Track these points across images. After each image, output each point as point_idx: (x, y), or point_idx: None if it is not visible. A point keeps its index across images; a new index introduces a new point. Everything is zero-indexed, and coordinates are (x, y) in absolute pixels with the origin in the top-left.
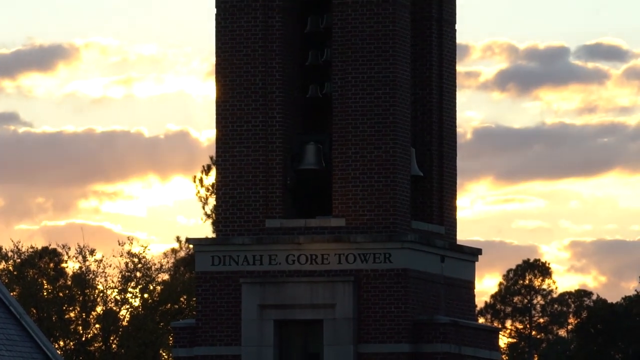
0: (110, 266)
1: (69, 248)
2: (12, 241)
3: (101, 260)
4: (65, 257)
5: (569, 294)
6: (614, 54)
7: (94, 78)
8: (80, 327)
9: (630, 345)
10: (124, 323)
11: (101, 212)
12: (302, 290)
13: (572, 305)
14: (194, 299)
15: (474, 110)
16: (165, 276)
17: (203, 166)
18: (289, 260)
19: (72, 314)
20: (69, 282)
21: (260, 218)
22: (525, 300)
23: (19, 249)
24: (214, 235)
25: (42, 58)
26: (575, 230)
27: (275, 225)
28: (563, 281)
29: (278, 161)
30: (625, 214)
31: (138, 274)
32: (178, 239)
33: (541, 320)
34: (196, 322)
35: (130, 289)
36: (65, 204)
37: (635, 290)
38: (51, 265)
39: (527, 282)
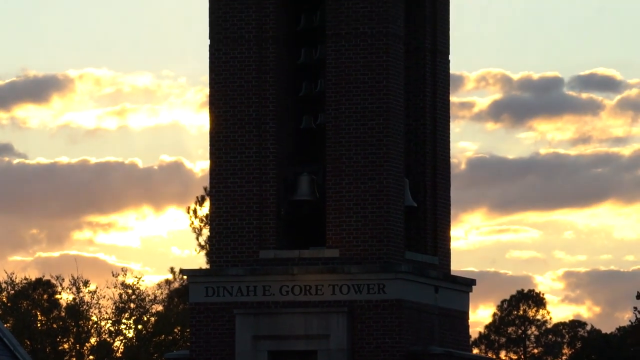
0: (104, 297)
1: (63, 279)
2: (6, 272)
3: (95, 292)
4: (59, 289)
5: (563, 324)
6: (607, 84)
7: (88, 109)
8: (74, 359)
9: None
10: (118, 354)
11: (95, 243)
12: (296, 321)
13: (567, 336)
14: (188, 330)
15: (468, 140)
16: (159, 307)
17: (197, 197)
18: (283, 291)
19: (66, 346)
20: (63, 314)
21: (254, 249)
22: (520, 331)
23: (12, 281)
24: (207, 266)
25: (36, 89)
26: (569, 261)
27: (269, 256)
28: (557, 311)
29: (272, 192)
30: (620, 245)
31: (132, 305)
32: (172, 270)
33: (535, 350)
34: (190, 353)
35: (124, 320)
36: (59, 235)
37: (630, 321)
38: (45, 296)
39: (521, 312)
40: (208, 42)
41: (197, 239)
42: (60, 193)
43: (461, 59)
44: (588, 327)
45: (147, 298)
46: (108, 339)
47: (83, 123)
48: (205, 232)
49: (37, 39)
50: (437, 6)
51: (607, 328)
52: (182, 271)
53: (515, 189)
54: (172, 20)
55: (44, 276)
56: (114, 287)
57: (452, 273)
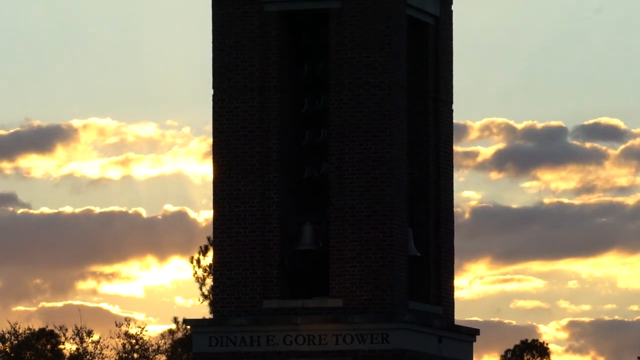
0: (107, 347)
1: (66, 329)
2: (10, 323)
3: (98, 342)
4: (63, 339)
5: None
6: (611, 133)
7: (91, 159)
8: None
9: None
10: None
11: (99, 293)
12: None
13: None
14: None
15: (472, 190)
16: (163, 357)
17: (200, 247)
18: (287, 341)
19: None
20: None
21: (257, 299)
22: None
23: (16, 331)
24: (211, 316)
25: (40, 139)
26: (573, 310)
27: (272, 306)
28: None
29: (275, 242)
30: (624, 294)
31: (135, 355)
32: (175, 320)
33: None
34: None
35: None
36: (63, 285)
37: None
38: (48, 347)
39: None
40: (212, 91)
41: (201, 288)
42: (64, 243)
43: (465, 108)
44: None
45: (150, 348)
46: None
47: (87, 173)
48: (209, 281)
49: (40, 89)
50: (440, 56)
51: None
52: (185, 321)
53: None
54: (175, 70)
55: (47, 326)
56: (118, 337)
57: (455, 323)
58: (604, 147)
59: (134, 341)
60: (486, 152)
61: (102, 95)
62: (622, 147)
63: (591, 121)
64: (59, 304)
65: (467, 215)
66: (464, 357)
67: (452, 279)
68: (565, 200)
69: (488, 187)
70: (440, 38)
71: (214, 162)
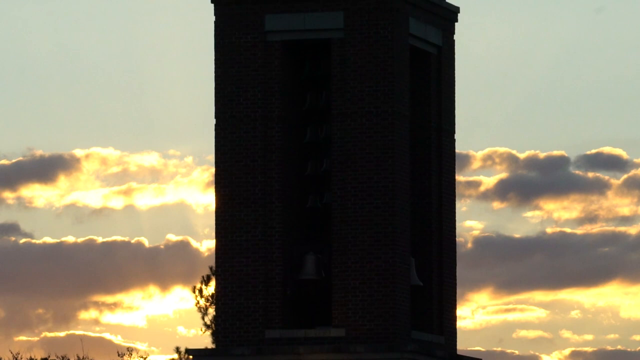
0: None
1: (69, 359)
2: (12, 353)
3: None
4: None
5: None
6: (614, 163)
7: (94, 188)
8: None
9: None
10: None
11: (101, 322)
12: None
13: None
14: None
15: (474, 219)
16: None
17: (202, 276)
18: None
19: None
20: None
21: (259, 328)
22: None
23: None
24: (213, 346)
25: (42, 169)
26: (576, 340)
27: (275, 336)
28: None
29: (277, 271)
30: (627, 324)
31: None
32: (178, 350)
33: None
34: None
35: None
36: (65, 315)
37: None
38: None
39: None
40: (214, 121)
41: (203, 318)
42: (66, 272)
43: (467, 137)
44: None
45: None
46: None
47: (89, 202)
48: (211, 311)
49: (42, 119)
50: (442, 85)
51: None
52: (187, 351)
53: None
54: (178, 100)
55: (49, 356)
56: None
57: (458, 352)
58: (607, 177)
59: None
60: (488, 181)
61: (105, 125)
62: (625, 176)
63: (594, 151)
64: (61, 334)
65: (469, 245)
66: None
67: (455, 308)
68: (568, 230)
69: (490, 217)
70: (443, 67)
71: (216, 191)
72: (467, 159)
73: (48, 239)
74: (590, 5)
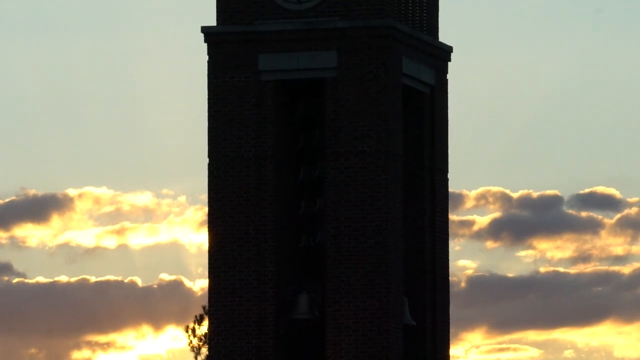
0: None
1: None
2: None
3: None
4: None
5: None
6: (607, 203)
7: (87, 228)
8: None
9: None
10: None
11: None
12: None
13: None
14: None
15: (468, 258)
16: None
17: (195, 316)
18: None
19: None
20: None
21: None
22: None
23: None
24: None
25: (35, 208)
26: None
27: None
28: None
29: (271, 311)
30: None
31: None
32: None
33: None
34: None
35: None
36: (58, 355)
37: None
38: None
39: None
40: (207, 160)
41: (196, 358)
42: (60, 312)
43: (460, 177)
44: None
45: None
46: None
47: (82, 242)
48: (204, 351)
49: (36, 158)
50: (435, 125)
51: None
52: None
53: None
54: (171, 139)
55: None
56: None
57: None
58: (600, 216)
59: None
60: (482, 221)
61: (98, 165)
62: (618, 216)
63: (587, 190)
64: None
65: (463, 284)
66: None
67: (448, 348)
68: (561, 269)
69: (484, 256)
70: (436, 107)
71: (209, 231)
72: (460, 198)
73: (41, 279)
74: (583, 42)
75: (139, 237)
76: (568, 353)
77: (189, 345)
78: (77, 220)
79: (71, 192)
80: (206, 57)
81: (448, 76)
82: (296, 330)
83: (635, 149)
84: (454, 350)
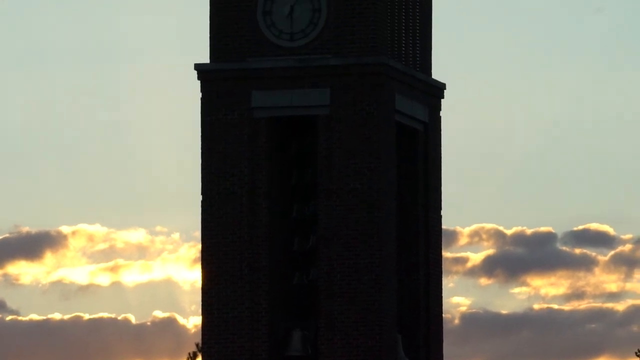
0: None
1: None
2: None
3: None
4: None
5: None
6: (601, 240)
7: (81, 265)
8: None
9: None
10: None
11: None
12: None
13: None
14: None
15: (462, 295)
16: None
17: (189, 353)
18: None
19: None
20: None
21: None
22: None
23: None
24: None
25: (29, 246)
26: None
27: None
28: None
29: (264, 348)
30: None
31: None
32: None
33: None
34: None
35: None
36: None
37: None
38: None
39: None
40: (200, 197)
41: None
42: (53, 349)
43: (454, 214)
44: None
45: None
46: None
47: (76, 279)
48: None
49: (29, 195)
50: (428, 162)
51: None
52: None
53: (509, 344)
54: (164, 176)
55: None
56: None
57: None
58: (594, 253)
59: None
60: (476, 258)
61: (91, 202)
62: (612, 253)
63: (581, 227)
64: None
65: (456, 321)
66: None
67: None
68: (555, 306)
69: (478, 293)
70: (429, 144)
71: (202, 268)
72: (454, 235)
73: (34, 316)
74: (576, 80)
75: (133, 274)
76: None
77: None
78: (70, 258)
79: (65, 229)
80: (199, 94)
81: (441, 113)
82: None
83: (628, 185)
84: None
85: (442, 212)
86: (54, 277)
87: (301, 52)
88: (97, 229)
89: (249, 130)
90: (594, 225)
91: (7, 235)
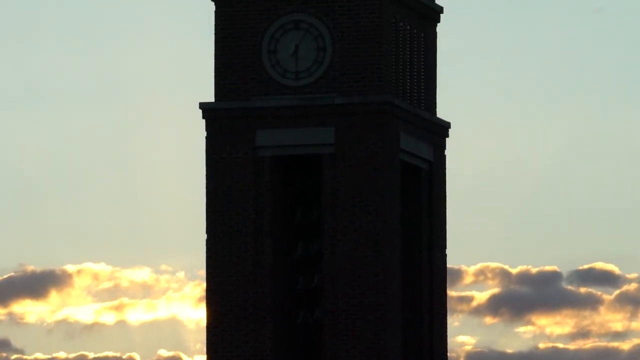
0: None
1: None
2: None
3: None
4: None
5: None
6: (606, 279)
7: (86, 304)
8: None
9: None
10: None
11: None
12: None
13: None
14: None
15: (467, 334)
16: None
17: None
18: None
19: None
20: None
21: None
22: None
23: None
24: None
25: (34, 285)
26: None
27: None
28: None
29: None
30: None
31: None
32: None
33: None
34: None
35: None
36: None
37: None
38: None
39: None
40: (205, 236)
41: None
42: None
43: (459, 252)
44: None
45: None
46: None
47: (81, 318)
48: None
49: (34, 234)
50: (433, 200)
51: None
52: None
53: None
54: (169, 215)
55: None
56: None
57: None
58: (599, 292)
59: None
60: (481, 296)
61: (96, 240)
62: (617, 292)
63: (586, 266)
64: None
65: None
66: None
67: None
68: (561, 345)
69: (483, 332)
70: (434, 182)
71: (207, 307)
72: (459, 274)
73: (39, 355)
74: (580, 117)
75: (138, 313)
76: None
77: None
78: (75, 296)
79: (69, 268)
80: (204, 133)
81: (446, 152)
82: None
83: (634, 225)
84: None
85: (447, 251)
86: (59, 315)
87: (306, 90)
88: (102, 268)
89: (253, 168)
90: (599, 265)
91: (12, 274)
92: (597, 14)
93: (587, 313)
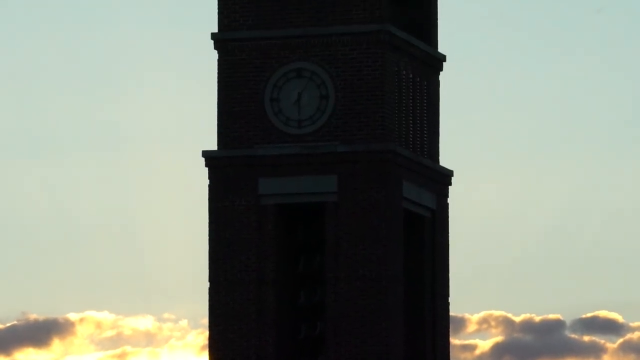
0: None
1: None
2: None
3: None
4: None
5: None
6: (610, 327)
7: (89, 352)
8: None
9: None
10: None
11: None
12: None
13: None
14: None
15: None
16: None
17: None
18: None
19: None
20: None
21: None
22: None
23: None
24: None
25: (36, 333)
26: None
27: None
28: None
29: None
30: None
31: None
32: None
33: None
34: None
35: None
36: None
37: None
38: None
39: None
40: (208, 284)
41: None
42: None
43: (462, 301)
44: None
45: None
46: None
47: None
48: None
49: (36, 283)
50: (436, 248)
51: None
52: None
53: None
54: (172, 263)
55: None
56: None
57: None
58: (603, 341)
59: None
60: (484, 345)
61: (99, 289)
62: (621, 340)
63: (589, 315)
64: None
65: None
66: None
67: None
68: None
69: None
70: (437, 231)
71: (210, 355)
72: (462, 322)
73: None
74: (581, 166)
75: None
76: None
77: None
78: (78, 345)
79: (72, 316)
80: (207, 181)
81: (449, 200)
82: None
83: (637, 273)
84: None
85: (450, 299)
86: None
87: (308, 139)
88: (105, 316)
89: (256, 217)
90: (603, 313)
91: (14, 322)
92: (597, 13)
93: None
